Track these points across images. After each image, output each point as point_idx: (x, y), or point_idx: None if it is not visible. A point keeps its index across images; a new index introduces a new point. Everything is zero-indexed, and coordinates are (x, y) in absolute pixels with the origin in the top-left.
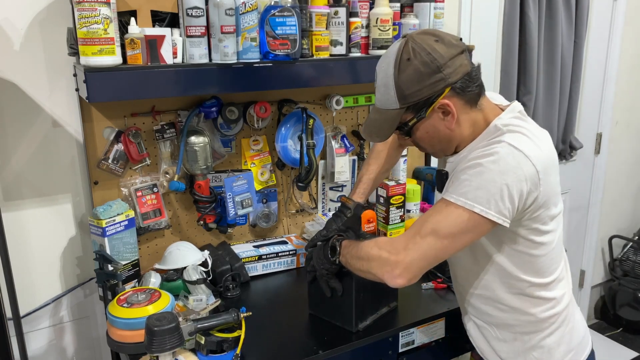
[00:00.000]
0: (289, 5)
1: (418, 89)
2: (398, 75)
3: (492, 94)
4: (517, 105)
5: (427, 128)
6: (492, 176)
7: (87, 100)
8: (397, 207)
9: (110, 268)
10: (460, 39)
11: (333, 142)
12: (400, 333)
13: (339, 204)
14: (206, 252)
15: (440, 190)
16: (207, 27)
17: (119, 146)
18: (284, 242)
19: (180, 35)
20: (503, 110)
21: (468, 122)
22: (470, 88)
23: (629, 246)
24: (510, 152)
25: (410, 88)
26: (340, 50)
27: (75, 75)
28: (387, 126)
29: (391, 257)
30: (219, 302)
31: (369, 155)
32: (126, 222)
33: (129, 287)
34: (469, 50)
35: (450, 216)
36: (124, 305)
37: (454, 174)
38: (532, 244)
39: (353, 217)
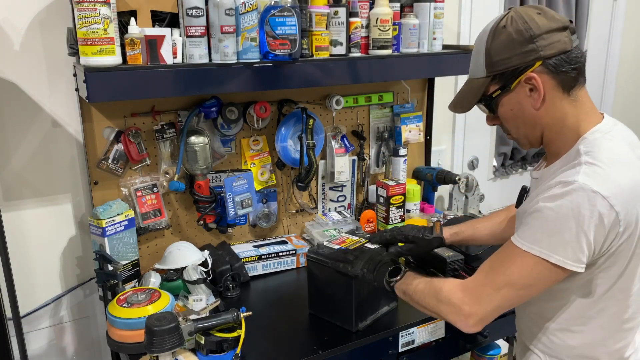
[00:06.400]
0: (289, 5)
1: (507, 56)
2: (491, 41)
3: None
4: (604, 125)
5: (512, 104)
6: (566, 222)
7: (87, 100)
8: (397, 207)
9: (110, 268)
10: (571, 21)
11: (333, 142)
12: (400, 333)
13: (339, 204)
14: (206, 252)
15: (517, 206)
16: (207, 27)
17: (119, 146)
18: (284, 242)
19: (180, 35)
20: (602, 118)
21: (557, 108)
22: (565, 68)
23: None
24: (583, 195)
25: (500, 55)
26: (340, 50)
27: (75, 75)
28: (471, 96)
29: (464, 307)
30: (219, 302)
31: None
32: (126, 222)
33: (129, 287)
34: (572, 30)
35: (524, 266)
36: (124, 305)
37: (530, 201)
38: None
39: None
